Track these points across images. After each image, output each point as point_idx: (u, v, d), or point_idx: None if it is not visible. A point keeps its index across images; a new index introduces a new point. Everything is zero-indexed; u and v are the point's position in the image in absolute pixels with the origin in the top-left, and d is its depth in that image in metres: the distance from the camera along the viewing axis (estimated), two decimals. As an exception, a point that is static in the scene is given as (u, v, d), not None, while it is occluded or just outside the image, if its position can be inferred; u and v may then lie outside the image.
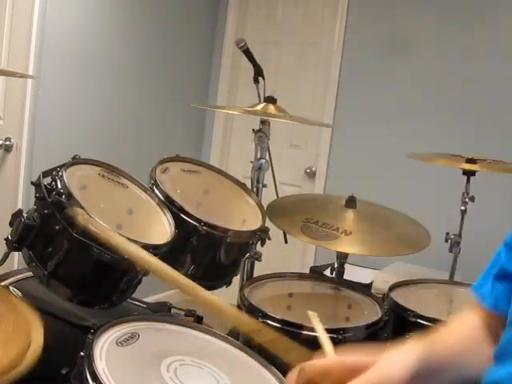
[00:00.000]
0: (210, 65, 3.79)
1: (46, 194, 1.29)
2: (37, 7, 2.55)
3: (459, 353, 0.90)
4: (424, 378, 0.82)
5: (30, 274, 1.53)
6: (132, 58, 3.14)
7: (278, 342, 0.89)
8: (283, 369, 1.21)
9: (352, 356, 0.83)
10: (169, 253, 1.41)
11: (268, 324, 1.53)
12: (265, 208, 1.84)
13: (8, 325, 0.97)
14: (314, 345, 1.31)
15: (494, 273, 0.92)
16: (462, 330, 0.95)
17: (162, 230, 1.46)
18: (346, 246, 1.76)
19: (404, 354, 0.82)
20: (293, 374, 0.83)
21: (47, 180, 1.33)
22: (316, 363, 0.83)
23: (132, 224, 1.45)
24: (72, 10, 2.76)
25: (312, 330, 1.51)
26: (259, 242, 1.74)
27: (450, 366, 0.88)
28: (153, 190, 1.57)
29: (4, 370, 0.84)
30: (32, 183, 1.35)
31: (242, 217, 1.77)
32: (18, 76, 2.14)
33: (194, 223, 1.53)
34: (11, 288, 1.41)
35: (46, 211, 1.29)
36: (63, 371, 1.10)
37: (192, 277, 1.61)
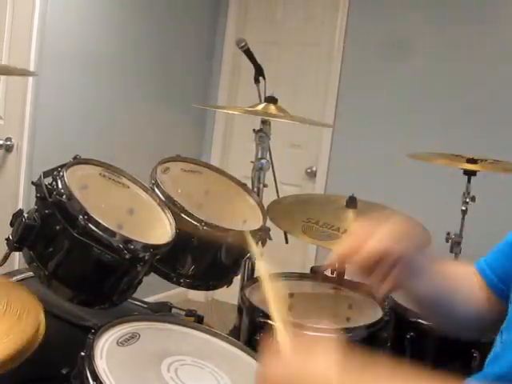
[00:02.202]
0: (211, 65, 3.79)
1: (47, 194, 1.29)
2: (37, 7, 2.55)
3: (456, 279, 1.00)
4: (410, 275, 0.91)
5: (30, 274, 1.53)
6: (132, 57, 3.14)
7: None
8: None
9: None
10: (169, 253, 1.41)
11: (269, 324, 1.53)
12: (265, 208, 1.84)
13: (16, 308, 0.98)
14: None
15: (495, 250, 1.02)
16: (463, 270, 1.05)
17: (163, 230, 1.46)
18: (346, 246, 1.75)
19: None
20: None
21: (48, 180, 1.33)
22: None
23: (133, 224, 1.45)
24: (72, 11, 2.76)
25: (314, 330, 1.51)
26: (260, 242, 1.74)
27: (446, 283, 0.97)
28: (153, 190, 1.57)
29: (14, 353, 0.85)
30: (33, 183, 1.35)
31: (243, 217, 1.77)
32: (18, 74, 2.13)
33: (195, 223, 1.53)
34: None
35: (46, 211, 1.28)
36: (64, 371, 1.10)
37: (192, 277, 1.62)
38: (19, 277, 1.59)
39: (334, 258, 0.93)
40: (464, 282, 1.01)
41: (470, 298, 0.99)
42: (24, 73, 2.16)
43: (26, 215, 1.29)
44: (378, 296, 0.91)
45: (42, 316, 1.01)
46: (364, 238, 0.90)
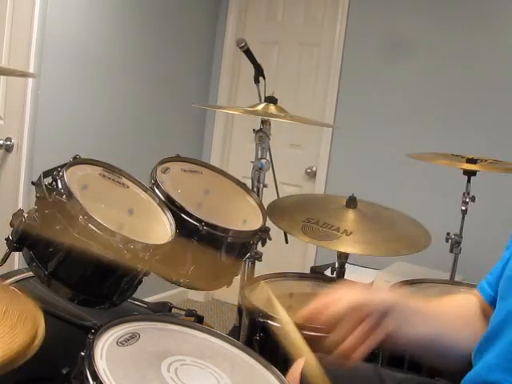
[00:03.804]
0: (211, 65, 3.79)
1: (47, 194, 1.29)
2: (37, 8, 2.55)
3: (453, 318, 0.99)
4: (404, 318, 0.90)
5: (30, 274, 1.53)
6: (132, 57, 3.14)
7: None
8: (284, 369, 1.21)
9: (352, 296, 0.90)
10: (169, 253, 1.41)
11: (269, 324, 1.53)
12: (265, 208, 1.84)
13: (14, 312, 0.98)
14: (314, 345, 1.31)
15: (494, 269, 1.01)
16: (461, 303, 1.04)
17: (163, 230, 1.46)
18: (346, 245, 1.76)
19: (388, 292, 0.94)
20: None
21: (48, 180, 1.33)
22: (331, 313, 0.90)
23: (133, 224, 1.45)
24: (72, 11, 2.76)
25: (314, 330, 1.51)
26: (260, 242, 1.74)
27: (436, 323, 0.96)
28: (153, 190, 1.57)
29: (12, 357, 0.85)
30: (33, 183, 1.35)
31: (243, 217, 1.77)
32: (18, 75, 2.13)
33: (195, 223, 1.53)
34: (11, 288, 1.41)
35: (46, 211, 1.28)
36: (63, 371, 1.10)
37: (192, 277, 1.62)
38: (19, 277, 1.59)
39: (300, 317, 0.93)
40: (459, 315, 1.00)
41: (468, 331, 0.98)
42: (23, 74, 2.16)
43: (25, 215, 1.29)
44: (351, 362, 0.88)
45: (40, 322, 1.01)
46: (329, 301, 0.89)
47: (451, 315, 0.99)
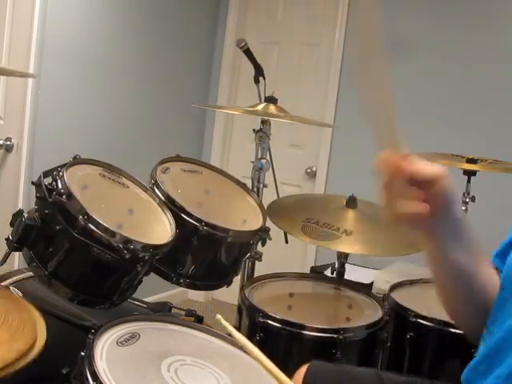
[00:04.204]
0: (211, 65, 3.79)
1: (47, 194, 1.29)
2: (37, 8, 2.55)
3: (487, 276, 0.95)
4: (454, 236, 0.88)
5: (30, 274, 1.53)
6: (132, 57, 3.14)
7: None
8: (284, 369, 1.21)
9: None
10: (169, 253, 1.41)
11: (269, 324, 1.53)
12: (265, 208, 1.84)
13: (13, 320, 0.98)
14: (314, 345, 1.32)
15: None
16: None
17: (163, 230, 1.46)
18: (346, 246, 1.76)
19: None
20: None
21: (48, 180, 1.33)
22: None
23: (133, 224, 1.45)
24: (72, 11, 2.76)
25: (314, 330, 1.52)
26: (260, 242, 1.74)
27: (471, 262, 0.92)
28: (153, 190, 1.57)
29: (8, 364, 0.85)
30: (33, 183, 1.35)
31: (243, 217, 1.77)
32: (18, 75, 2.14)
33: (195, 223, 1.53)
34: (11, 288, 1.41)
35: (46, 211, 1.29)
36: (63, 371, 1.10)
37: (192, 277, 1.62)
38: (19, 277, 1.59)
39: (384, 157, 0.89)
40: (488, 270, 0.98)
41: (489, 288, 0.96)
42: (24, 75, 2.16)
43: (25, 215, 1.30)
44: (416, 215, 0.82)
45: (41, 327, 1.01)
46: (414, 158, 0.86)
47: (483, 260, 0.97)
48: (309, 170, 3.53)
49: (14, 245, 1.29)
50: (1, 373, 0.84)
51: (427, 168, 0.85)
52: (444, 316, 1.68)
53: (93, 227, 1.26)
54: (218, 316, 0.92)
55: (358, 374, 1.22)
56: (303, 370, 1.17)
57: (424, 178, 0.83)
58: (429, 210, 0.81)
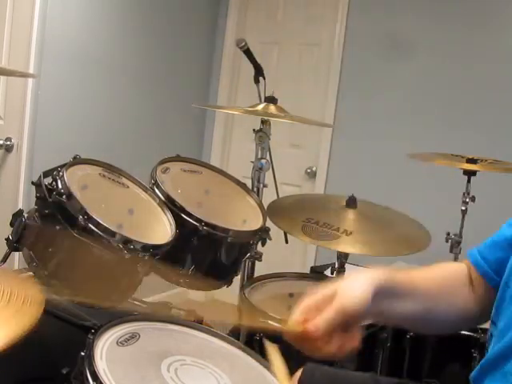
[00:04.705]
0: (211, 65, 3.79)
1: (47, 194, 1.29)
2: (37, 8, 2.55)
3: (440, 290, 0.98)
4: (387, 299, 0.88)
5: (30, 274, 1.53)
6: (132, 57, 3.14)
7: None
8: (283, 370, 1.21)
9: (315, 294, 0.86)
10: (169, 253, 1.41)
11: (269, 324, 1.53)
12: (265, 208, 1.84)
13: (19, 296, 0.98)
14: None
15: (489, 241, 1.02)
16: (444, 270, 1.05)
17: (163, 229, 1.47)
18: (346, 245, 1.76)
19: (360, 279, 0.86)
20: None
21: (48, 180, 1.34)
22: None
23: (133, 224, 1.45)
24: (72, 11, 2.76)
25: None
26: (260, 242, 1.74)
27: (413, 294, 0.94)
28: (153, 190, 1.57)
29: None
30: (33, 183, 1.35)
31: (243, 217, 1.77)
32: (18, 75, 2.14)
33: (195, 223, 1.53)
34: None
35: (46, 211, 1.29)
36: (63, 371, 1.10)
37: (192, 277, 1.62)
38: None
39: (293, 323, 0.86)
40: (446, 285, 1.01)
41: (457, 302, 0.99)
42: (24, 75, 2.16)
43: (25, 215, 1.30)
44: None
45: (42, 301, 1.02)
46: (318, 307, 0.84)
47: (438, 287, 0.99)
48: (309, 170, 3.53)
49: (14, 245, 1.29)
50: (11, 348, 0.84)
51: (323, 323, 0.82)
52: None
53: (93, 227, 1.26)
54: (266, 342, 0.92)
55: (352, 377, 1.22)
56: (298, 373, 1.18)
57: (328, 329, 0.82)
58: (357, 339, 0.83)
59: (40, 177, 1.34)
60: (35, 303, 0.94)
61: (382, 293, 0.87)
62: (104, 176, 1.49)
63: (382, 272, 0.90)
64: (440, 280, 1.02)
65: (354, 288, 0.84)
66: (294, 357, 1.44)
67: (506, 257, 0.96)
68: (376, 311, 0.87)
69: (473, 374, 0.96)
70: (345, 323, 0.82)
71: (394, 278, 0.92)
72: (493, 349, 0.91)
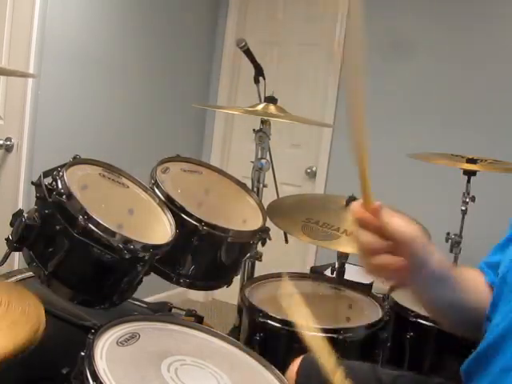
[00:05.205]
0: (211, 65, 3.79)
1: (47, 194, 1.29)
2: (37, 8, 2.55)
3: (470, 287, 0.98)
4: (436, 278, 0.89)
5: (30, 274, 1.53)
6: (132, 57, 3.14)
7: None
8: (284, 369, 1.21)
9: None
10: (169, 253, 1.41)
11: (269, 324, 1.53)
12: (265, 208, 1.84)
13: (16, 308, 0.98)
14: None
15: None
16: (474, 275, 1.02)
17: (163, 229, 1.46)
18: (346, 245, 1.76)
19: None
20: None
21: (48, 180, 1.34)
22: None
23: (132, 224, 1.45)
24: (72, 11, 2.76)
25: (314, 330, 1.51)
26: (260, 242, 1.74)
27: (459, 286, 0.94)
28: (153, 190, 1.57)
29: (12, 352, 0.86)
30: (33, 183, 1.35)
31: (243, 217, 1.77)
32: (18, 75, 2.14)
33: (195, 223, 1.53)
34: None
35: (46, 211, 1.29)
36: (63, 371, 1.10)
37: (192, 277, 1.62)
38: (19, 277, 1.59)
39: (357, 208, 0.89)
40: (472, 283, 1.00)
41: (480, 300, 0.99)
42: (24, 74, 2.16)
43: (25, 215, 1.30)
44: (387, 286, 0.85)
45: (42, 315, 1.02)
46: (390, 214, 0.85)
47: (469, 284, 0.99)
48: (309, 170, 3.53)
49: (14, 245, 1.29)
50: (9, 357, 0.84)
51: (398, 229, 0.85)
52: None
53: (93, 227, 1.26)
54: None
55: (352, 365, 1.23)
56: (297, 361, 1.18)
57: (391, 235, 0.84)
58: (401, 263, 0.83)
59: (40, 177, 1.34)
60: (33, 317, 0.94)
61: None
62: (104, 176, 1.49)
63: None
64: (472, 280, 1.01)
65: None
66: (294, 356, 1.44)
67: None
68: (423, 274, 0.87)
69: (463, 366, 0.97)
70: (396, 246, 0.83)
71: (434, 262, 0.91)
72: (483, 342, 0.92)
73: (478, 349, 0.93)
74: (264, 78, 2.21)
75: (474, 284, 1.00)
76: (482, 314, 0.97)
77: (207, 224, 1.54)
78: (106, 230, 1.26)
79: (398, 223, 0.85)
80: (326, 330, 1.52)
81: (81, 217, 1.25)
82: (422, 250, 0.86)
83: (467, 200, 2.13)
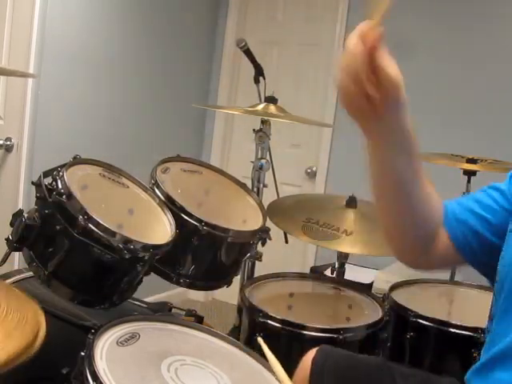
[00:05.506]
0: (211, 65, 3.79)
1: (47, 194, 1.29)
2: (37, 8, 2.55)
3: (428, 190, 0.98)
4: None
5: (30, 274, 1.53)
6: (132, 57, 3.14)
7: None
8: (284, 369, 1.21)
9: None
10: (169, 253, 1.41)
11: (269, 324, 1.53)
12: (265, 208, 1.84)
13: (15, 315, 0.98)
14: (314, 345, 1.31)
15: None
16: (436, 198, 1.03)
17: (163, 230, 1.47)
18: (346, 245, 1.76)
19: None
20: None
21: (48, 180, 1.34)
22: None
23: (133, 224, 1.45)
24: (72, 11, 2.76)
25: (314, 329, 1.52)
26: (260, 242, 1.74)
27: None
28: (153, 190, 1.57)
29: (7, 360, 0.86)
30: (33, 183, 1.35)
31: (243, 217, 1.77)
32: (18, 75, 2.14)
33: (195, 223, 1.53)
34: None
35: (46, 211, 1.29)
36: (63, 371, 1.10)
37: (192, 277, 1.62)
38: (19, 277, 1.59)
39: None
40: (431, 190, 1.00)
41: (431, 208, 0.98)
42: (24, 74, 2.16)
43: (26, 215, 1.30)
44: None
45: (42, 319, 1.01)
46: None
47: (429, 189, 0.98)
48: (309, 170, 3.53)
49: (14, 245, 1.29)
50: (8, 364, 0.84)
51: (391, 70, 0.84)
52: (444, 316, 1.69)
53: (93, 227, 1.26)
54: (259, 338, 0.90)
55: (365, 358, 1.23)
56: (312, 352, 1.18)
57: (382, 73, 0.82)
58: (378, 97, 0.82)
59: (40, 177, 1.34)
60: (29, 325, 0.93)
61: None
62: (104, 176, 1.49)
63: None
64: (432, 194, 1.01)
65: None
66: (294, 356, 1.44)
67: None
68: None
69: (468, 375, 0.96)
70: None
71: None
72: (489, 353, 0.91)
73: (483, 359, 0.92)
74: (264, 78, 2.21)
75: (433, 198, 0.99)
76: (427, 211, 0.96)
77: (207, 224, 1.54)
78: (106, 230, 1.26)
79: (392, 65, 0.84)
80: (326, 330, 1.52)
81: (81, 217, 1.25)
82: (401, 103, 0.87)
83: (467, 200, 2.13)
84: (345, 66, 0.81)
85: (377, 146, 0.91)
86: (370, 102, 0.82)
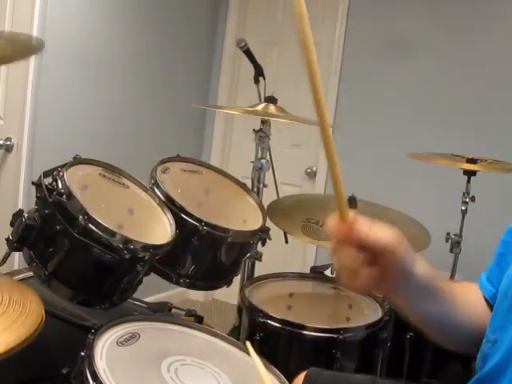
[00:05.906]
0: (211, 65, 3.79)
1: (47, 194, 1.29)
2: (37, 8, 2.55)
3: (462, 302, 0.95)
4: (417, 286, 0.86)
5: (30, 274, 1.53)
6: (132, 58, 3.14)
7: None
8: (284, 369, 1.21)
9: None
10: (169, 253, 1.41)
11: (269, 324, 1.53)
12: (265, 208, 1.84)
13: (17, 306, 0.99)
14: (314, 345, 1.32)
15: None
16: (470, 290, 1.02)
17: (163, 230, 1.47)
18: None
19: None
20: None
21: (48, 180, 1.34)
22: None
23: (133, 224, 1.45)
24: (72, 11, 2.76)
25: (314, 330, 1.52)
26: (260, 242, 1.74)
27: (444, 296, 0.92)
28: (153, 190, 1.57)
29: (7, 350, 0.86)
30: (33, 183, 1.35)
31: (243, 217, 1.77)
32: (22, 38, 2.12)
33: (195, 223, 1.53)
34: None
35: (46, 211, 1.29)
36: (63, 371, 1.10)
37: (192, 277, 1.62)
38: (19, 277, 1.59)
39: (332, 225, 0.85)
40: (465, 295, 0.99)
41: (472, 312, 0.97)
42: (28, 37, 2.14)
43: (26, 215, 1.30)
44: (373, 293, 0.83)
45: (42, 310, 1.02)
46: (369, 224, 0.82)
47: (461, 299, 0.96)
48: (309, 170, 3.53)
49: (14, 245, 1.29)
50: (12, 350, 0.84)
51: (375, 236, 0.80)
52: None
53: (93, 227, 1.26)
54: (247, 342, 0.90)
55: (354, 381, 1.22)
56: (301, 376, 1.18)
57: (372, 246, 0.80)
58: (380, 273, 0.80)
59: (40, 177, 1.34)
60: (33, 315, 0.94)
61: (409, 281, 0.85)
62: (104, 176, 1.49)
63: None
64: (466, 294, 1.00)
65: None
66: (294, 355, 1.45)
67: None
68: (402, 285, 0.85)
69: None
70: (377, 255, 0.80)
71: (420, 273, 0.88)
72: (488, 363, 0.90)
73: (483, 369, 0.92)
74: (264, 78, 2.21)
75: (468, 298, 0.99)
76: (475, 330, 0.95)
77: (207, 224, 1.54)
78: (106, 229, 1.26)
79: (377, 233, 0.81)
80: (325, 330, 1.52)
81: (81, 217, 1.25)
82: (404, 260, 0.82)
83: (467, 200, 2.13)
84: (338, 262, 0.85)
85: (400, 301, 0.91)
86: (374, 280, 0.81)
